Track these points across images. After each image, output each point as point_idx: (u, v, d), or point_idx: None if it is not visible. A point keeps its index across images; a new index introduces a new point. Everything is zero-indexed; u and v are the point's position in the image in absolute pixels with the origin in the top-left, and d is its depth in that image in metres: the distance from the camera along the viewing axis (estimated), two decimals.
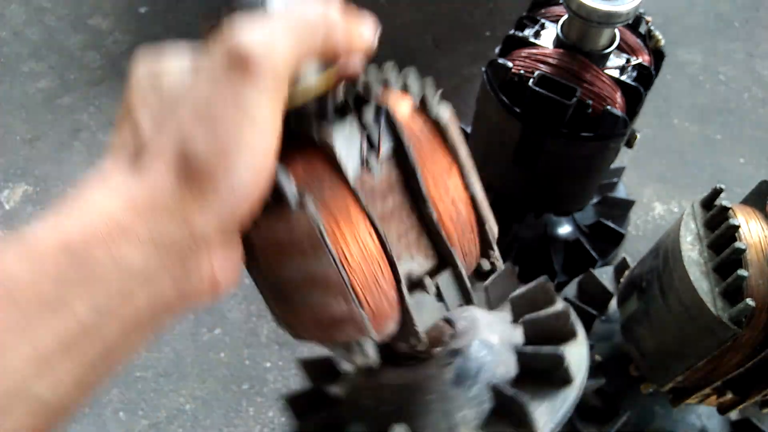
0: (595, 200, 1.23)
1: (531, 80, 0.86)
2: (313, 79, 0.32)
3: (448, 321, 0.50)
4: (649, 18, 0.95)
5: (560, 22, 0.91)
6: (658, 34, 0.94)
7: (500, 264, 0.40)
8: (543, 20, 0.95)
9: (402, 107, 0.37)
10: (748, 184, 0.74)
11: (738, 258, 0.64)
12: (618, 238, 1.18)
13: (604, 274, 0.97)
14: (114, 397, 1.13)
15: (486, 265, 0.40)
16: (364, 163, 0.35)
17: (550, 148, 0.91)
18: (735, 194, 0.74)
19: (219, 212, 0.28)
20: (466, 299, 0.39)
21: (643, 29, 0.95)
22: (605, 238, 1.18)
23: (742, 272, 0.62)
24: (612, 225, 1.17)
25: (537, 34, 0.94)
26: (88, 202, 0.28)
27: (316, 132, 0.34)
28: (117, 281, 0.27)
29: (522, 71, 0.89)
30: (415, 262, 0.37)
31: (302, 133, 0.34)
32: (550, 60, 0.88)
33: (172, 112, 0.28)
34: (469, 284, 0.38)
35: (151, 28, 1.67)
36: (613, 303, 0.94)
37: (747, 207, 0.72)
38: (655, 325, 0.74)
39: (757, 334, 0.65)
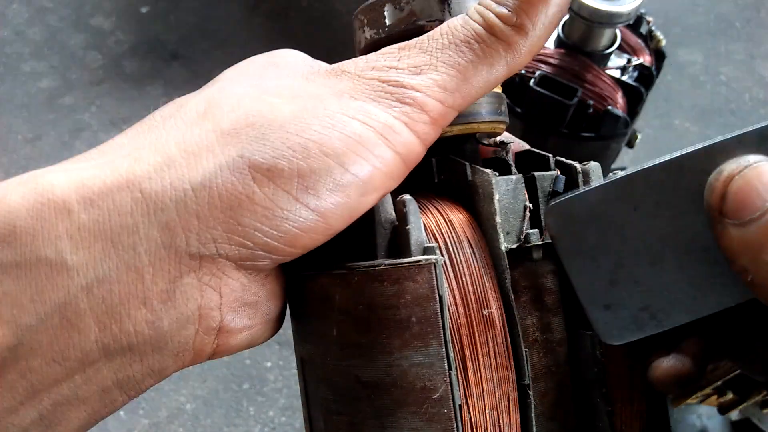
0: None
1: (532, 80, 0.86)
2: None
3: None
4: (650, 18, 0.95)
5: (561, 22, 0.91)
6: (659, 34, 0.94)
7: None
8: None
9: None
10: None
11: None
12: None
13: None
14: None
15: None
16: (522, 240, 0.26)
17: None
18: None
19: (255, 222, 0.22)
20: None
21: (644, 29, 0.95)
22: None
23: None
24: None
25: None
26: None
27: (471, 172, 0.26)
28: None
29: (523, 71, 0.89)
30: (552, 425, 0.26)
31: (451, 172, 0.27)
32: (552, 60, 0.88)
33: None
34: None
35: (152, 28, 1.68)
36: None
37: None
38: None
39: None
